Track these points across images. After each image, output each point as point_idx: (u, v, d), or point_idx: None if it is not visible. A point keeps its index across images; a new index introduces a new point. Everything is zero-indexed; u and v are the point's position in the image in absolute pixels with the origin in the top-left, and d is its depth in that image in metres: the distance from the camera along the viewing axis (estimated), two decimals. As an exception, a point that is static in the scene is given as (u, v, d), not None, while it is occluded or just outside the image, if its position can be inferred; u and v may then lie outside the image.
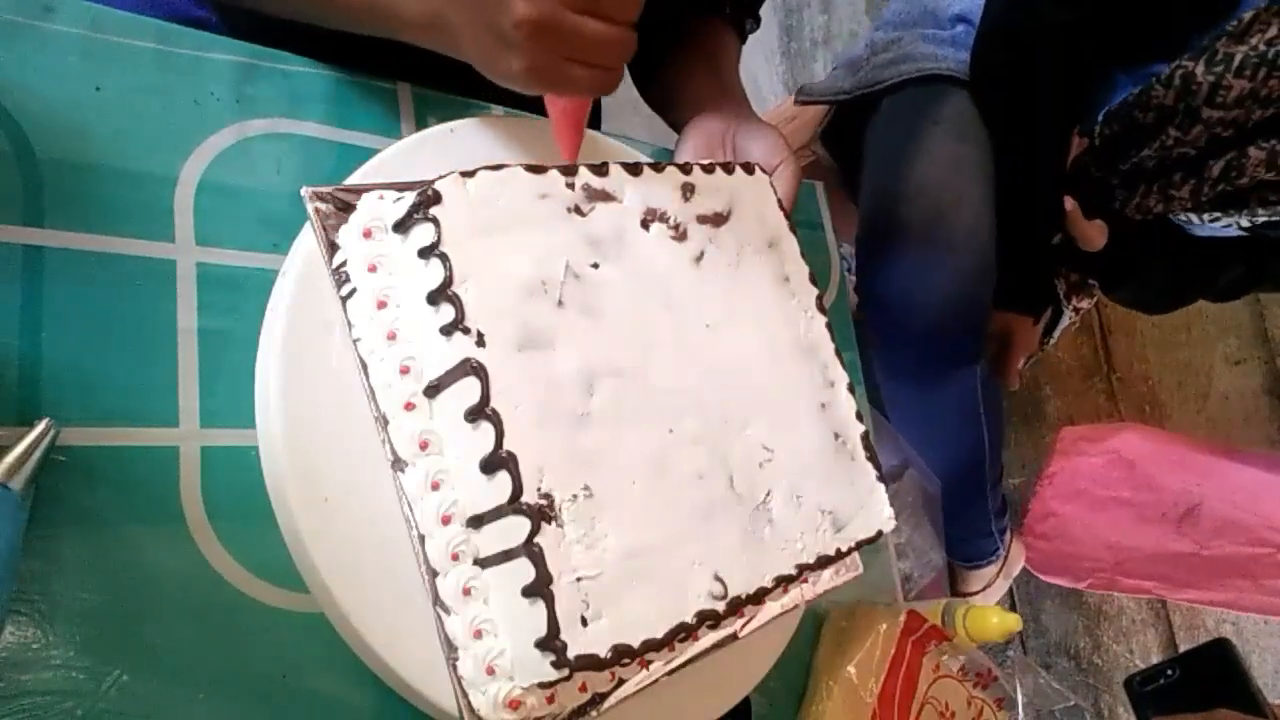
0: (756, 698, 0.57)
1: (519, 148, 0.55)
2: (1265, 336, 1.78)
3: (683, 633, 0.43)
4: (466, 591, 0.42)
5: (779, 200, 0.57)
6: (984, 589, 1.25)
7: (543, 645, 0.39)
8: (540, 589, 0.39)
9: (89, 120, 0.45)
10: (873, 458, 0.56)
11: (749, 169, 0.56)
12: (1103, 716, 1.49)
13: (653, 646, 0.42)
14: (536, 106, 0.57)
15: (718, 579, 0.45)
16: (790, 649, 0.57)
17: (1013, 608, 1.49)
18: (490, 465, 0.40)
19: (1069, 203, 0.95)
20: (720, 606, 0.45)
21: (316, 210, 0.44)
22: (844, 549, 0.52)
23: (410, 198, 0.43)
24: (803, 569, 0.49)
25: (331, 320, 0.45)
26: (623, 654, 0.40)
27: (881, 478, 0.56)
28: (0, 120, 0.43)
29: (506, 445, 0.40)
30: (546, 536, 0.39)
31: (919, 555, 0.92)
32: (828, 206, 0.81)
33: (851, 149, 1.06)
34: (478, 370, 0.40)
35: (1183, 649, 1.62)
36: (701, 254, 0.51)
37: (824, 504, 0.52)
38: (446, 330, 0.41)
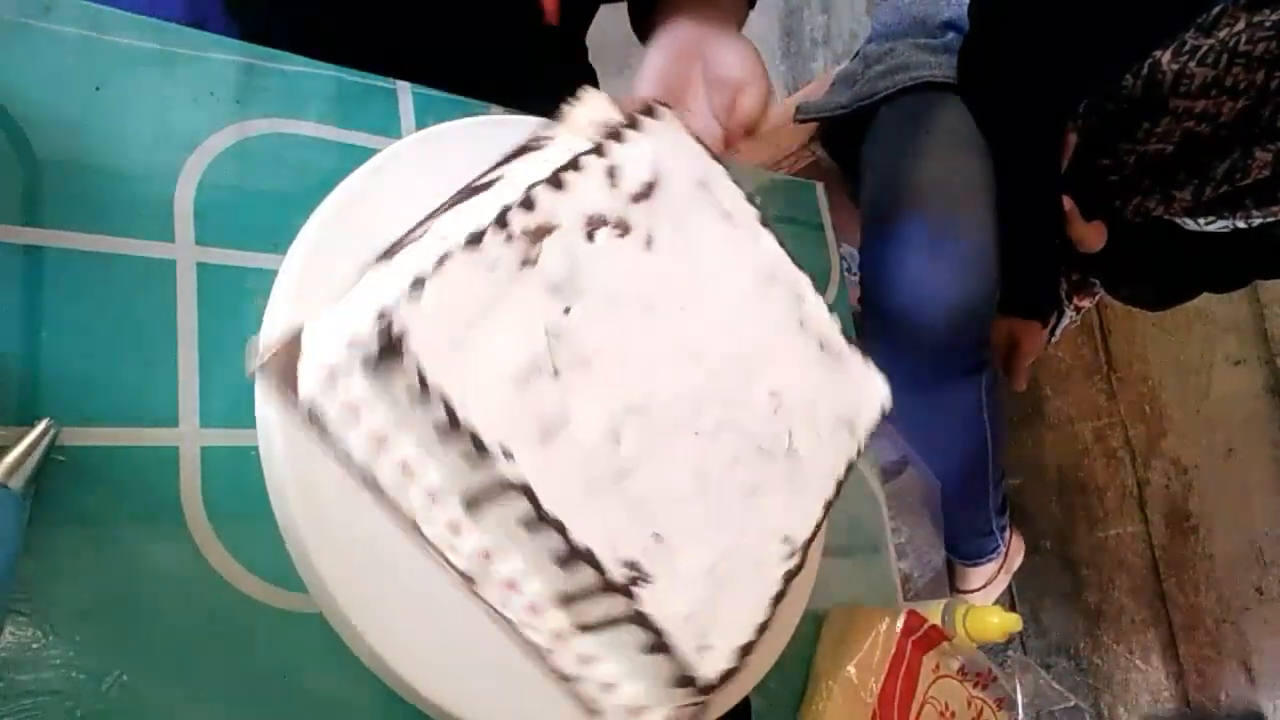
0: (756, 698, 0.57)
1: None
2: (1265, 336, 1.78)
3: (779, 600, 0.45)
4: (584, 660, 0.42)
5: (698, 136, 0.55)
6: (985, 586, 1.25)
7: (677, 685, 0.40)
8: (659, 646, 0.40)
9: (89, 120, 0.45)
10: (851, 340, 0.56)
11: (650, 111, 0.53)
12: (1103, 716, 1.49)
13: (763, 628, 0.44)
14: (535, 107, 0.57)
15: (785, 540, 0.47)
16: (790, 649, 0.57)
17: (1012, 607, 1.49)
18: (566, 562, 0.40)
19: (1066, 203, 0.95)
20: (796, 560, 0.47)
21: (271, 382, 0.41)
22: (863, 445, 0.53)
23: (373, 340, 0.39)
24: (839, 484, 0.51)
25: (331, 320, 0.44)
26: (745, 652, 0.43)
27: (864, 354, 0.56)
28: (0, 120, 0.43)
29: (575, 539, 0.40)
30: (644, 599, 0.40)
31: (919, 555, 0.92)
32: (828, 206, 0.81)
33: (851, 151, 1.06)
34: (523, 489, 0.39)
35: (1182, 649, 1.63)
36: (650, 238, 0.50)
37: (835, 414, 0.52)
38: (469, 456, 0.40)
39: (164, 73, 0.48)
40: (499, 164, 0.47)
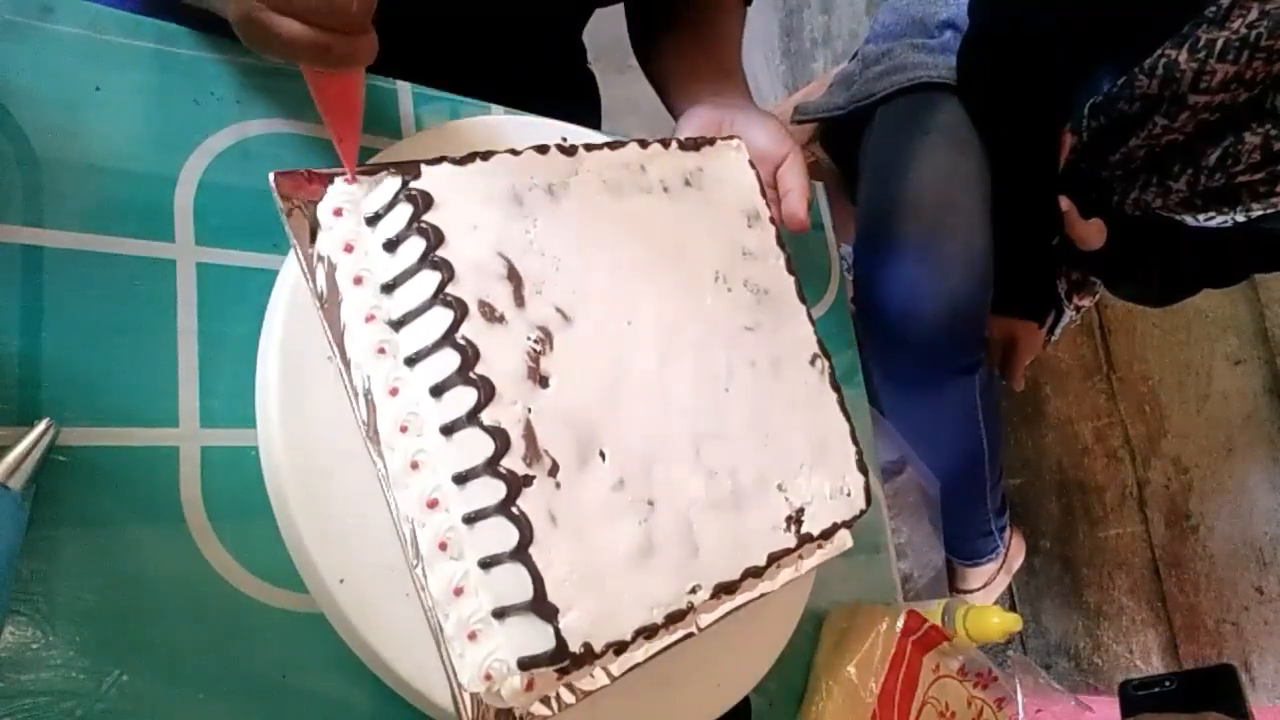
0: (756, 698, 0.57)
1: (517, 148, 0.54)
2: (1265, 336, 1.78)
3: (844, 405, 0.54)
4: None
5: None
6: (984, 586, 1.25)
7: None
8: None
9: (89, 120, 0.45)
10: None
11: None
12: (1103, 716, 1.49)
13: (854, 434, 0.54)
14: (536, 107, 0.57)
15: (812, 359, 0.53)
16: (790, 649, 0.57)
17: (1012, 607, 1.49)
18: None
19: (1064, 203, 0.95)
20: (825, 364, 0.54)
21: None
22: (769, 209, 0.55)
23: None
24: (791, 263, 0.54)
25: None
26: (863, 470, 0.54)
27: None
28: (0, 120, 0.43)
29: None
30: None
31: (919, 555, 0.92)
32: (827, 206, 0.81)
33: (850, 152, 1.06)
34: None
35: (1182, 649, 1.63)
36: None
37: (741, 212, 0.53)
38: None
39: (164, 73, 0.48)
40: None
